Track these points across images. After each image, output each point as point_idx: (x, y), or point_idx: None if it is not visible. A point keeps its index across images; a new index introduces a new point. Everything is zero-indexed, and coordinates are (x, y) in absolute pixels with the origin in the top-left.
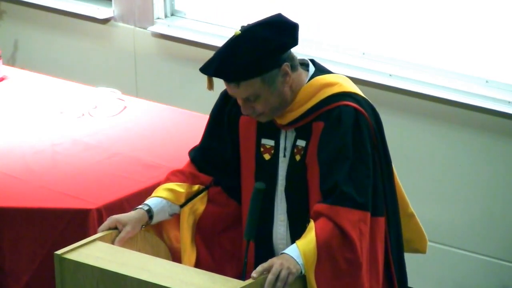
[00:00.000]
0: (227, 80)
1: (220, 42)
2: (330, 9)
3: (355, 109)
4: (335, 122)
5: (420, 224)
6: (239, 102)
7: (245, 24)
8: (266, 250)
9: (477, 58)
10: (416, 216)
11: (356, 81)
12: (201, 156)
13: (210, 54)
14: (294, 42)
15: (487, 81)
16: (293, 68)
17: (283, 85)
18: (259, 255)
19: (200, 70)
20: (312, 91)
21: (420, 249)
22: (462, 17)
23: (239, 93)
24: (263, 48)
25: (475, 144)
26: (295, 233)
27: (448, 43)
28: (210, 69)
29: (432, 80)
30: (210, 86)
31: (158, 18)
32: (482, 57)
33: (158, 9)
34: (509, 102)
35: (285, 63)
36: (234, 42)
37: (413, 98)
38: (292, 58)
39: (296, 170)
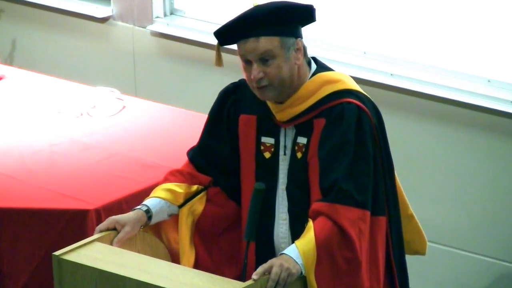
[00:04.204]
0: (248, 33)
1: None
2: (331, 8)
3: (357, 106)
4: (337, 119)
5: (420, 225)
6: (250, 71)
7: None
8: (267, 250)
9: (479, 57)
10: (416, 218)
11: (357, 80)
12: (200, 156)
13: (209, 53)
14: (311, 17)
15: (489, 81)
16: (304, 53)
17: (295, 60)
18: (260, 255)
19: (215, 33)
20: (314, 87)
21: (419, 251)
22: (463, 17)
23: (257, 48)
24: (283, 12)
25: (476, 144)
26: (297, 232)
27: (449, 42)
28: (229, 27)
29: (434, 80)
30: (219, 61)
31: (157, 17)
32: (484, 56)
33: (157, 8)
34: (511, 101)
35: (300, 39)
36: (253, 7)
37: (414, 98)
38: (304, 44)
39: (298, 168)
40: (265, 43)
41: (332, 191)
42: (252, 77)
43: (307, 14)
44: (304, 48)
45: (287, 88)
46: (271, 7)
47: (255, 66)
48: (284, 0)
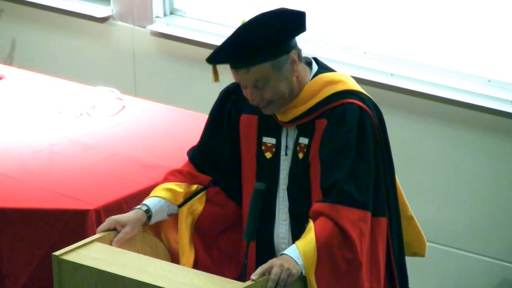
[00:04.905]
0: (237, 65)
1: (219, 41)
2: (332, 8)
3: (359, 107)
4: (339, 119)
5: (419, 227)
6: (247, 92)
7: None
8: (267, 250)
9: (479, 57)
10: (415, 219)
11: (357, 80)
12: (200, 156)
13: (209, 53)
14: (302, 28)
15: (489, 81)
16: (299, 58)
17: (291, 73)
18: (260, 255)
19: (207, 60)
20: (316, 88)
21: (419, 252)
22: (464, 16)
23: (249, 78)
24: (272, 32)
25: (477, 144)
26: (297, 233)
27: (450, 42)
28: (219, 56)
29: (434, 80)
30: (216, 77)
31: (157, 17)
32: (484, 56)
33: (157, 8)
34: (511, 101)
35: (293, 51)
36: (242, 29)
37: (415, 98)
38: (298, 49)
39: (299, 169)
40: (256, 72)
41: (333, 191)
42: (250, 100)
43: (297, 27)
44: (299, 53)
45: (289, 100)
46: (257, 34)
47: (250, 91)
48: (272, 11)
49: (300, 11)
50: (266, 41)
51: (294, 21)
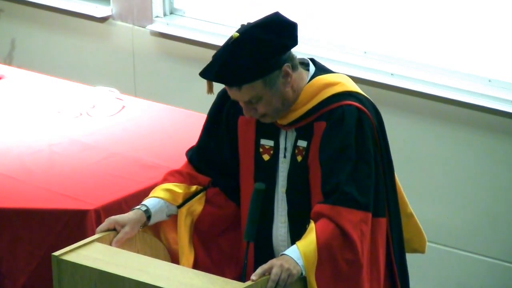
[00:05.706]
0: (228, 84)
1: (219, 41)
2: (332, 8)
3: (358, 108)
4: (338, 122)
5: (419, 224)
6: (241, 104)
7: (244, 23)
8: (266, 252)
9: (480, 57)
10: (415, 216)
11: (357, 80)
12: (198, 157)
13: (209, 52)
14: (294, 43)
15: (490, 81)
16: (294, 67)
17: (284, 86)
18: (259, 257)
19: (200, 74)
20: (313, 91)
21: (419, 249)
22: (464, 16)
23: (241, 96)
24: (263, 50)
25: (477, 144)
26: (296, 235)
27: (450, 42)
28: (210, 73)
29: (434, 80)
30: (210, 89)
31: (157, 17)
32: (485, 56)
33: (157, 8)
34: (511, 101)
35: (286, 64)
36: (233, 45)
37: (415, 98)
38: (292, 58)
39: (298, 171)
40: (248, 90)
41: (334, 193)
42: (244, 113)
43: (288, 43)
44: (293, 62)
45: (285, 109)
46: (248, 54)
47: (244, 106)
48: (264, 22)
49: (292, 22)
50: (257, 61)
51: (286, 37)
